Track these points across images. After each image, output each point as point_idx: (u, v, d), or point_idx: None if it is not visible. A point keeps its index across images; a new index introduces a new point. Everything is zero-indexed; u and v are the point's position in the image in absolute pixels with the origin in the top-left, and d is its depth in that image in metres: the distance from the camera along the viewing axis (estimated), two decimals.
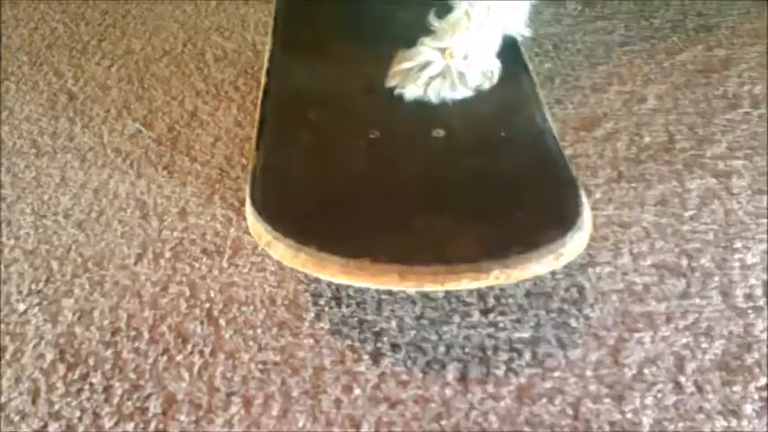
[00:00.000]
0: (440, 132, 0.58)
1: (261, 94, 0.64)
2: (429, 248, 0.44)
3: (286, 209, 0.49)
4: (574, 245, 0.46)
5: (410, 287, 0.42)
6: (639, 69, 0.81)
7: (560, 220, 0.47)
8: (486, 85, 0.62)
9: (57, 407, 0.51)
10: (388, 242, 0.45)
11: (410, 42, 0.65)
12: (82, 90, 0.84)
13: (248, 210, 0.51)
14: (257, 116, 0.62)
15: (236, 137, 0.76)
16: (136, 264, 0.62)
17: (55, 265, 0.63)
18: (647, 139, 0.72)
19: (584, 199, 0.50)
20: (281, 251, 0.46)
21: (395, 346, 0.53)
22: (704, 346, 0.53)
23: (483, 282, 0.42)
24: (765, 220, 0.63)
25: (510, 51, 0.64)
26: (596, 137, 0.73)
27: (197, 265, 0.62)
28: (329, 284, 0.57)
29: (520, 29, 0.63)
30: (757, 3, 0.89)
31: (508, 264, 0.43)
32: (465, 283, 0.42)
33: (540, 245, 0.44)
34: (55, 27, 0.95)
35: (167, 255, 0.63)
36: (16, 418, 0.50)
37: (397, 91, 0.62)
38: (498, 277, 0.42)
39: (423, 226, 0.47)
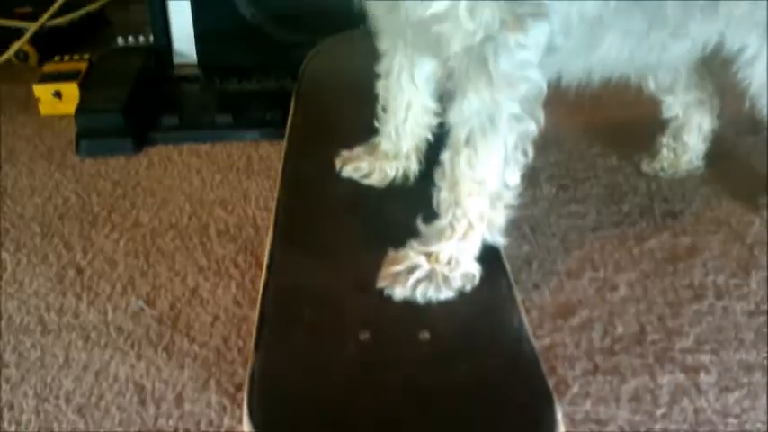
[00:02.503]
0: (425, 335, 0.63)
1: (261, 289, 0.70)
2: None
3: (280, 426, 0.53)
4: None
5: None
6: (611, 256, 0.87)
7: None
8: (468, 287, 0.68)
9: None
10: None
11: (400, 240, 0.71)
12: (90, 264, 0.89)
13: (245, 425, 0.54)
14: (257, 312, 0.67)
15: (234, 316, 0.81)
16: None
17: None
18: (620, 330, 0.77)
19: (558, 415, 0.54)
20: None
21: None
22: None
23: None
24: (733, 420, 0.67)
25: (489, 254, 0.71)
26: (572, 326, 0.78)
27: None
28: None
29: (497, 239, 0.70)
30: (718, 191, 0.97)
31: None
32: None
33: None
34: (68, 197, 1.02)
35: None
36: None
37: (386, 292, 0.67)
38: None
39: None
